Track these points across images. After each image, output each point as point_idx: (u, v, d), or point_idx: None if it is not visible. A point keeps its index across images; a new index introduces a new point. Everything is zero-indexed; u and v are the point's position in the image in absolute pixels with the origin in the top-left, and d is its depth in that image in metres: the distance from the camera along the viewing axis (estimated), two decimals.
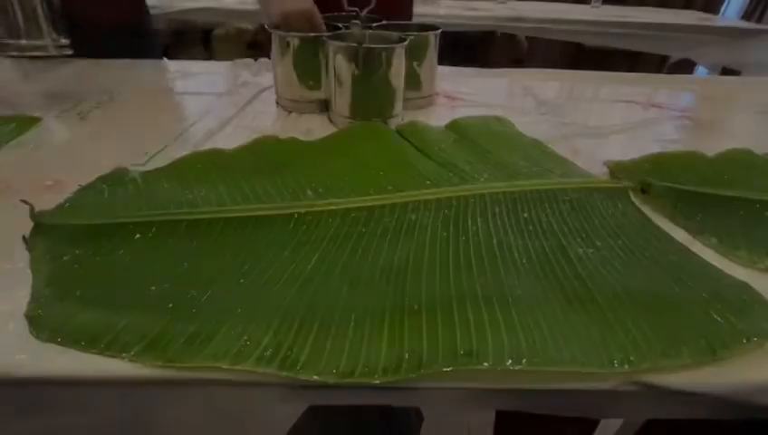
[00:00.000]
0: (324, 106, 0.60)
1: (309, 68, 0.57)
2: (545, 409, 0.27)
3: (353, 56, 0.51)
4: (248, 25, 1.96)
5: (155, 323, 0.26)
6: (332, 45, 0.52)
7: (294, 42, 0.55)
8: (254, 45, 2.03)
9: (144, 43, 0.84)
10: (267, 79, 0.72)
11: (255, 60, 0.79)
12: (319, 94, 0.59)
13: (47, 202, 0.36)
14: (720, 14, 2.22)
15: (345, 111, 0.55)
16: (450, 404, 0.26)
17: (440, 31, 0.60)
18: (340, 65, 0.52)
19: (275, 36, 0.56)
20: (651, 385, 0.24)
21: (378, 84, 0.53)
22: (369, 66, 0.51)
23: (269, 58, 0.80)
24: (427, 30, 0.60)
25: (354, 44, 0.51)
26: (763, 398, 0.24)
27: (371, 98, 0.54)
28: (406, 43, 0.52)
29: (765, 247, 0.34)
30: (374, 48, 0.52)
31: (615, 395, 0.25)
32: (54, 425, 0.28)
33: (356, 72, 0.51)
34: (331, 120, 0.58)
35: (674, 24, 1.62)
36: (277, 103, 0.62)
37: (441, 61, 0.64)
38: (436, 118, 0.60)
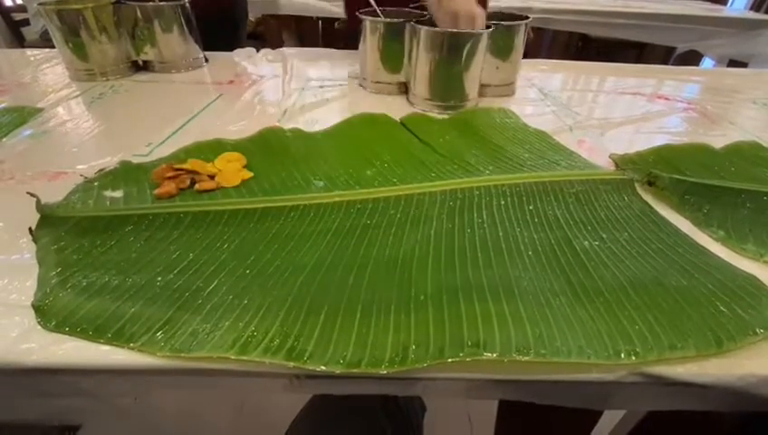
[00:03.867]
0: (404, 88, 0.62)
1: (392, 52, 0.59)
2: (550, 399, 0.27)
3: (438, 41, 0.53)
4: (249, 17, 1.94)
5: (161, 314, 0.26)
6: (418, 30, 0.53)
7: (381, 27, 0.58)
8: (254, 36, 2.02)
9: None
10: (269, 69, 0.72)
11: (258, 50, 0.78)
12: (399, 77, 0.62)
13: (52, 193, 0.36)
14: (728, 4, 2.19)
15: (424, 93, 0.57)
16: (456, 395, 0.26)
17: (530, 19, 0.60)
18: (423, 49, 0.54)
19: (366, 22, 0.58)
20: (657, 377, 0.24)
21: (457, 69, 0.55)
22: (450, 52, 0.53)
23: (272, 48, 0.79)
24: (513, 19, 0.60)
25: (440, 30, 0.53)
26: None
27: (450, 82, 0.56)
28: (489, 30, 0.54)
29: None
30: (459, 34, 0.53)
31: (620, 386, 0.25)
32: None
33: (437, 56, 0.53)
34: (410, 102, 0.59)
35: (681, 14, 1.59)
36: (361, 86, 0.66)
37: None
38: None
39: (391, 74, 0.61)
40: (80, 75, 0.64)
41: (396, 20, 0.57)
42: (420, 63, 0.55)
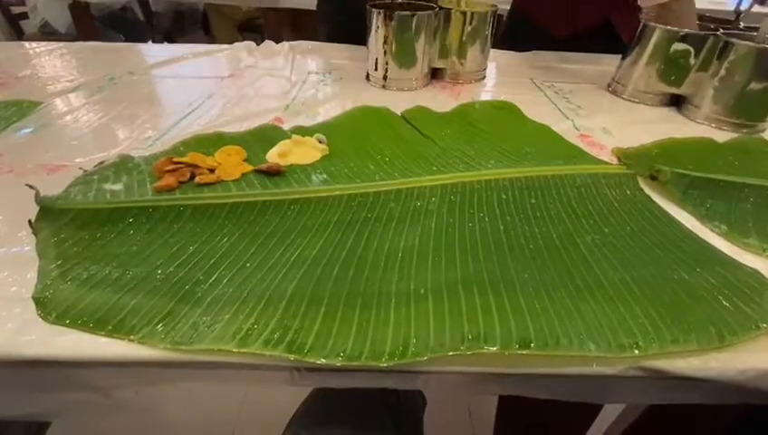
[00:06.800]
0: (674, 100, 0.60)
1: (673, 63, 0.57)
2: (550, 393, 0.27)
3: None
4: (241, 7, 1.92)
5: (162, 306, 0.26)
6: (736, 44, 0.50)
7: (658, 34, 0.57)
8: (253, 29, 2.00)
9: None
10: (270, 63, 0.71)
11: (258, 44, 0.78)
12: (674, 89, 0.59)
13: (51, 186, 0.36)
14: None
15: (717, 109, 0.54)
16: (456, 388, 0.26)
17: None
18: (733, 63, 0.51)
19: (650, 29, 0.57)
20: (659, 370, 0.24)
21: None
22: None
23: (274, 41, 0.78)
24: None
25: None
26: None
27: (755, 101, 0.52)
28: None
29: None
30: None
31: (621, 380, 0.25)
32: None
33: (751, 72, 0.50)
34: (689, 117, 0.57)
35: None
36: (613, 92, 0.64)
37: None
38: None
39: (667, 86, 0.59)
40: (397, 83, 0.62)
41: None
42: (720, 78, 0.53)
